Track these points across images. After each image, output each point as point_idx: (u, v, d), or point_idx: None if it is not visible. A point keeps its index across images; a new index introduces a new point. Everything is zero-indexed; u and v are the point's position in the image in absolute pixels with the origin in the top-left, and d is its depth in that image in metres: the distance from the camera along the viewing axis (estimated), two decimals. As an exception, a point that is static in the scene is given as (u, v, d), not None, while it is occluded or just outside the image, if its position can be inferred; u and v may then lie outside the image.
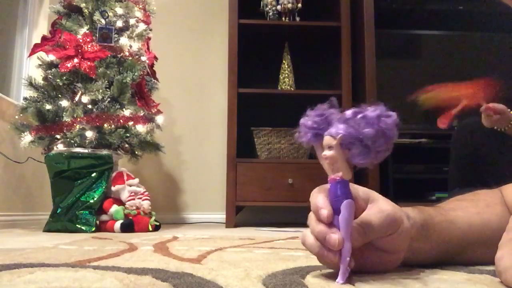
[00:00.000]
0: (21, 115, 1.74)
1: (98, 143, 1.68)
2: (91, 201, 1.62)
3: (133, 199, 1.69)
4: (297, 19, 2.38)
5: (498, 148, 1.40)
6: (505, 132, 1.41)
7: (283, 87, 2.34)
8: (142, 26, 1.90)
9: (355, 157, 0.41)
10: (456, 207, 0.57)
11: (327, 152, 0.42)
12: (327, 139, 0.41)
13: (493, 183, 0.65)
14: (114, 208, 1.64)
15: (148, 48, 2.00)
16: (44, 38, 1.84)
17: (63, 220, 1.58)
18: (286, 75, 2.36)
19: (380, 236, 0.46)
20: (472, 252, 0.56)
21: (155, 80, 2.06)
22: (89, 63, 1.68)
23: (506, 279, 0.40)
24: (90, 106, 1.70)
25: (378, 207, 0.47)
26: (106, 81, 1.71)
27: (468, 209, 0.57)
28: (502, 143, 1.40)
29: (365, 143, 0.40)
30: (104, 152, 1.69)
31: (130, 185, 1.72)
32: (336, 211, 0.43)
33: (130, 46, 1.82)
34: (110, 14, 1.79)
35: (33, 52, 1.84)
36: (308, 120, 0.43)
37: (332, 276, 0.46)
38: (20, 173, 1.99)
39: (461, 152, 1.50)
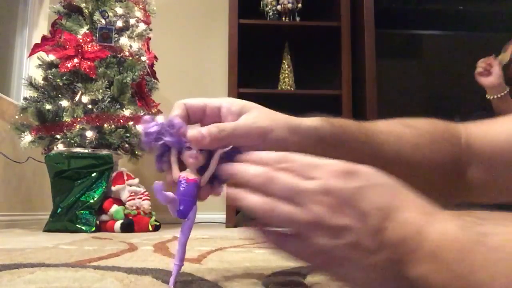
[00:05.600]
0: (21, 115, 1.74)
1: (98, 143, 1.68)
2: (91, 201, 1.62)
3: (133, 199, 1.69)
4: (297, 19, 2.38)
5: None
6: (491, 101, 1.48)
7: (283, 87, 2.34)
8: (142, 26, 1.90)
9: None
10: (390, 129, 0.50)
11: (199, 154, 0.41)
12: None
13: None
14: (114, 208, 1.64)
15: (148, 48, 2.00)
16: (44, 38, 1.84)
17: (63, 220, 1.58)
18: (286, 75, 2.36)
19: (240, 142, 0.41)
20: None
21: (155, 80, 2.06)
22: (89, 63, 1.68)
23: None
24: (90, 106, 1.70)
25: (247, 116, 0.42)
26: (106, 81, 1.71)
27: (404, 136, 0.50)
28: None
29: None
30: (104, 152, 1.69)
31: (130, 185, 1.72)
32: (181, 211, 0.41)
33: (130, 46, 1.82)
34: (110, 14, 1.79)
35: (33, 52, 1.84)
36: (155, 125, 0.43)
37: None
38: (20, 173, 1.99)
39: None
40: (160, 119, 0.43)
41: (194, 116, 0.44)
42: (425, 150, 0.50)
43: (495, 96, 1.51)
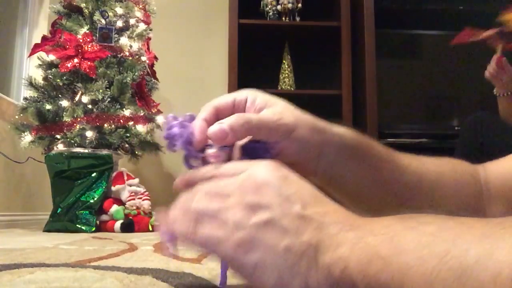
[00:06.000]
0: (21, 115, 1.74)
1: (98, 143, 1.68)
2: (91, 201, 1.62)
3: (133, 199, 1.69)
4: (297, 19, 2.38)
5: (510, 141, 1.36)
6: (498, 98, 1.45)
7: (283, 87, 2.34)
8: (142, 26, 1.90)
9: None
10: (414, 157, 0.48)
11: (221, 151, 0.37)
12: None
13: None
14: (114, 208, 1.64)
15: (148, 48, 2.00)
16: (44, 38, 1.84)
17: (63, 220, 1.58)
18: (286, 75, 2.36)
19: (264, 136, 0.38)
20: (409, 212, 0.48)
21: (155, 80, 2.06)
22: (89, 63, 1.68)
23: None
24: (90, 106, 1.70)
25: (272, 109, 0.40)
26: (106, 81, 1.71)
27: (427, 164, 0.48)
28: None
29: None
30: (104, 152, 1.69)
31: (130, 185, 1.72)
32: None
33: (130, 46, 1.82)
34: (110, 14, 1.79)
35: (33, 52, 1.84)
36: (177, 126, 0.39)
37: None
38: (20, 173, 1.99)
39: (468, 148, 1.45)
40: (177, 120, 0.39)
41: (224, 114, 0.40)
42: (449, 180, 0.47)
43: (502, 94, 1.47)
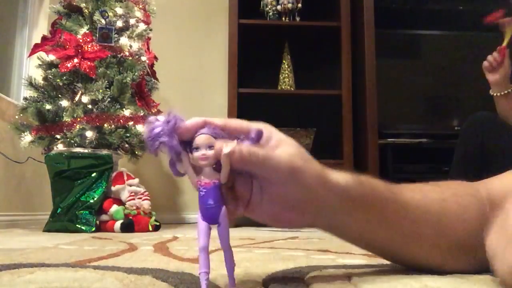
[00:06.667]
0: (21, 115, 1.74)
1: (98, 143, 1.68)
2: (91, 201, 1.62)
3: (133, 199, 1.69)
4: (297, 19, 2.38)
5: (511, 141, 1.36)
6: (494, 97, 1.46)
7: (283, 87, 2.34)
8: (142, 26, 1.90)
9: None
10: (415, 188, 0.49)
11: (209, 151, 0.37)
12: (207, 138, 0.38)
13: None
14: (114, 208, 1.64)
15: (148, 48, 2.00)
16: (44, 38, 1.84)
17: (63, 220, 1.58)
18: (286, 75, 2.36)
19: (265, 173, 0.39)
20: (419, 247, 0.47)
21: (155, 80, 2.06)
22: (89, 63, 1.68)
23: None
24: (90, 106, 1.70)
25: (282, 148, 0.41)
26: (106, 81, 1.71)
27: (429, 193, 0.48)
28: None
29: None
30: (104, 152, 1.69)
31: (130, 185, 1.72)
32: (210, 219, 0.38)
33: (130, 46, 1.82)
34: (110, 14, 1.79)
35: (33, 52, 1.84)
36: (161, 126, 0.38)
37: (332, 277, 0.46)
38: (20, 173, 1.99)
39: (468, 147, 1.44)
40: (162, 118, 0.38)
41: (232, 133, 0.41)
42: (452, 206, 0.48)
43: (498, 94, 1.47)
